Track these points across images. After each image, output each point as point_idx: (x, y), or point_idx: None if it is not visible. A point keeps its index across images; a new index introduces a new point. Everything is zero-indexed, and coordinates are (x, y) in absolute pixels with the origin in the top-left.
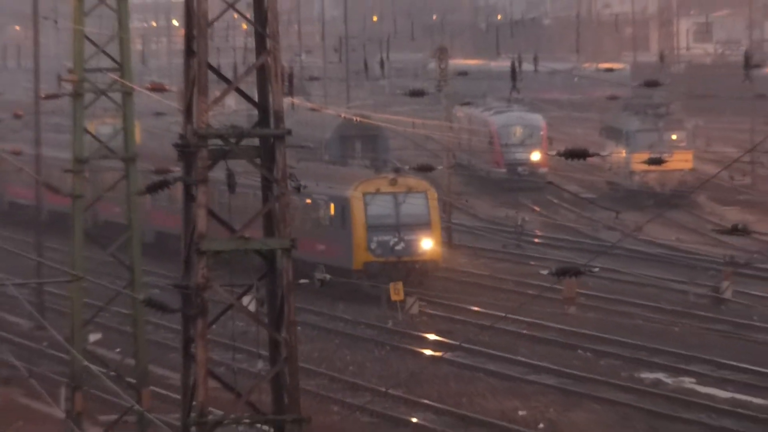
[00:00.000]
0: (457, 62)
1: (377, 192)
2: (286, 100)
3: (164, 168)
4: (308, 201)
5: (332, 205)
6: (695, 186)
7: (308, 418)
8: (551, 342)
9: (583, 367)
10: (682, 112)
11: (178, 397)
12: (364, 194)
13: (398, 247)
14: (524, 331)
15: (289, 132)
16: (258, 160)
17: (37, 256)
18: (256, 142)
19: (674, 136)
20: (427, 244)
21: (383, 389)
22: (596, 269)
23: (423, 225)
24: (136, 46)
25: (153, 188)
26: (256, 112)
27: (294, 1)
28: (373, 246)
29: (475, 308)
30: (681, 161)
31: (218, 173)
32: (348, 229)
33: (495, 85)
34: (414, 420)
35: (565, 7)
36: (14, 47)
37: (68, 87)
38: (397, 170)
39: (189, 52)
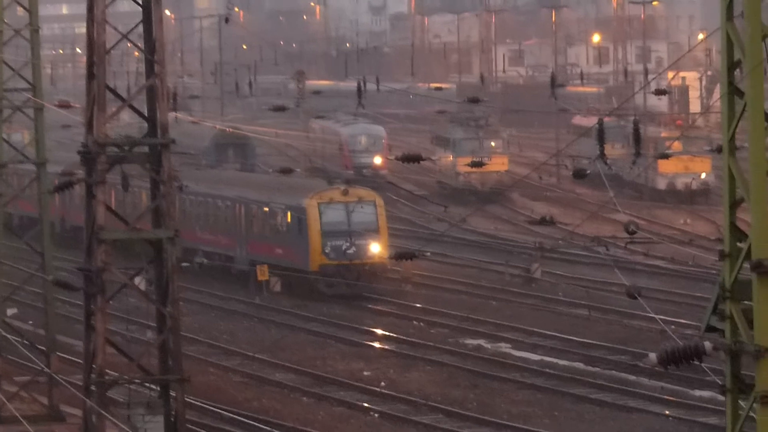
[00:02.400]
0: (313, 83)
1: (331, 202)
2: (171, 115)
3: (70, 171)
4: (266, 209)
5: (289, 214)
6: (510, 184)
7: (189, 378)
8: (391, 314)
9: (418, 335)
10: (499, 123)
11: (81, 361)
12: (319, 204)
13: (350, 251)
14: (369, 305)
15: (173, 141)
16: (148, 165)
17: None
18: (146, 149)
19: (492, 144)
20: (375, 248)
21: (252, 354)
22: (428, 254)
23: (372, 231)
24: (47, 70)
25: (61, 188)
26: (146, 124)
27: (178, 32)
28: (327, 250)
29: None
30: (498, 164)
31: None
32: (305, 235)
33: (344, 102)
34: (277, 379)
35: (402, 38)
36: None
37: None
38: (348, 182)
39: (90, 75)
